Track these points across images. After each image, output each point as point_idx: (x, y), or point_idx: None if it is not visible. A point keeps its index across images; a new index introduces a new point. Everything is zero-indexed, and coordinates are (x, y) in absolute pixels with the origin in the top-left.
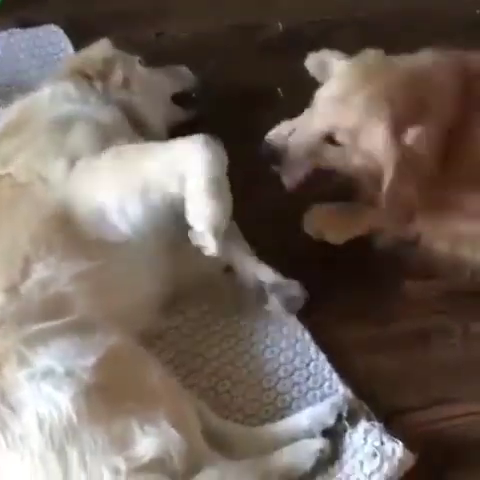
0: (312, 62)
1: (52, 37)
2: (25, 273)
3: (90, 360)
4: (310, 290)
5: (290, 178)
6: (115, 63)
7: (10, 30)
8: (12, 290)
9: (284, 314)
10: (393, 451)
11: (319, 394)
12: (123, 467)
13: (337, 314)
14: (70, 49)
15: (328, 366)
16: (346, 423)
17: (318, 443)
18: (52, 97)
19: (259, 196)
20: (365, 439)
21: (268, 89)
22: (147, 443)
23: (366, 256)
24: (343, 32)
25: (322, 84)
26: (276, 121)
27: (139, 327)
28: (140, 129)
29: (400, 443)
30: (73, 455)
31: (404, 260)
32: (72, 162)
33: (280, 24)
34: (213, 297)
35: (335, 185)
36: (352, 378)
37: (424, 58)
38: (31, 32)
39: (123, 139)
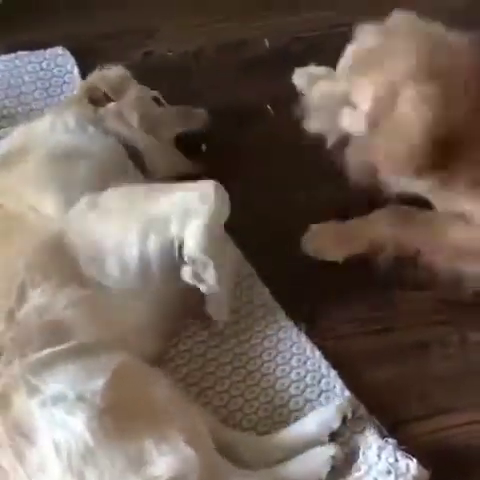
0: (299, 77)
1: (59, 59)
2: (21, 299)
3: (99, 383)
4: (310, 304)
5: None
6: (129, 87)
7: (17, 53)
8: (9, 316)
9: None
10: (407, 468)
11: None
12: None
13: (336, 327)
14: (76, 71)
15: (340, 382)
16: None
17: (330, 450)
18: (52, 127)
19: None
20: (379, 456)
21: (257, 106)
22: (164, 462)
23: (365, 268)
24: (329, 47)
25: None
26: (267, 138)
27: (147, 351)
28: (140, 166)
29: (414, 460)
30: (92, 479)
31: (402, 271)
32: (68, 196)
33: (266, 41)
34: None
35: None
36: (356, 392)
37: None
38: (37, 54)
39: (121, 174)
